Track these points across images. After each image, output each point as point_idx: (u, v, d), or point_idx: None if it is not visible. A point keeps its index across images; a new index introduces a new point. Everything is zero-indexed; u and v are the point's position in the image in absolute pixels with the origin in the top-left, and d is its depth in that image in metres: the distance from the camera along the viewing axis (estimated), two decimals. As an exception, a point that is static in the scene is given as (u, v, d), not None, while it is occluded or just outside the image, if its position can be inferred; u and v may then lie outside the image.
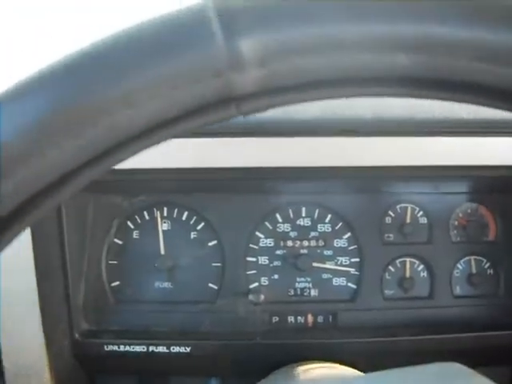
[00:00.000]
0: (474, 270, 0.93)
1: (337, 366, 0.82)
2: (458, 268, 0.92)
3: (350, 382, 0.50)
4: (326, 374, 0.78)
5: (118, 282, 0.90)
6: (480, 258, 0.93)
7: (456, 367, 0.49)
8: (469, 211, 0.94)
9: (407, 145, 0.79)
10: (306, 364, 0.82)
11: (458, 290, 0.92)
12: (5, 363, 0.82)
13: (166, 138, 0.29)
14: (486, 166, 0.81)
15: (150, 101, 0.25)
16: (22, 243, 0.77)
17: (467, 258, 0.93)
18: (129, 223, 0.91)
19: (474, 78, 0.25)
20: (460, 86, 0.26)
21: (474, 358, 0.91)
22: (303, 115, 0.77)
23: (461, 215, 0.93)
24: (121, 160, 0.29)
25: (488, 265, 0.93)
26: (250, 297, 0.86)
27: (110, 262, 0.90)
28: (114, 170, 0.74)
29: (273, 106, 0.28)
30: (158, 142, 0.29)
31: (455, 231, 0.93)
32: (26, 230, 0.72)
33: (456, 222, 0.93)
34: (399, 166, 0.80)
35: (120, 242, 0.90)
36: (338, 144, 0.78)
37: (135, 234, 0.91)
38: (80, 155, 0.25)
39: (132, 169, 0.77)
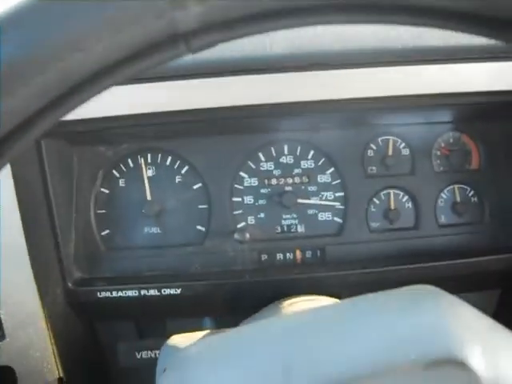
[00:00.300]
0: (458, 199, 0.93)
1: (323, 298, 0.84)
2: (442, 197, 0.93)
3: (321, 307, 0.51)
4: (310, 306, 0.79)
5: (107, 231, 0.92)
6: (464, 186, 0.94)
7: (428, 289, 0.49)
8: (451, 140, 0.94)
9: (386, 75, 0.79)
10: (294, 299, 0.83)
11: (442, 219, 0.93)
12: (2, 315, 0.84)
13: (121, 79, 0.29)
14: (467, 92, 0.81)
15: (97, 44, 0.25)
16: (8, 197, 0.78)
17: (451, 187, 0.93)
18: (114, 172, 0.91)
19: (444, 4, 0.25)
20: (430, 11, 0.26)
21: (462, 285, 0.92)
22: (283, 50, 0.77)
23: (443, 145, 0.94)
24: (82, 101, 0.30)
25: (472, 193, 0.94)
26: (236, 236, 0.87)
27: (99, 211, 0.91)
28: (95, 119, 0.75)
29: (221, 40, 0.28)
30: (114, 83, 0.29)
31: (438, 161, 0.93)
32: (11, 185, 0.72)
33: (438, 152, 0.93)
34: (379, 97, 0.79)
35: (107, 191, 0.91)
36: (316, 78, 0.78)
37: (121, 182, 0.92)
38: (34, 102, 0.26)
39: (111, 116, 0.78)
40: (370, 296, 0.48)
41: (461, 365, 0.38)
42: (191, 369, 0.43)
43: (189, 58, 0.73)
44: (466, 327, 0.41)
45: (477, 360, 0.38)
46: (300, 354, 0.40)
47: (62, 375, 0.88)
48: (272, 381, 0.39)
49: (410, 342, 0.40)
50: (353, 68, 0.78)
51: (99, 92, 0.29)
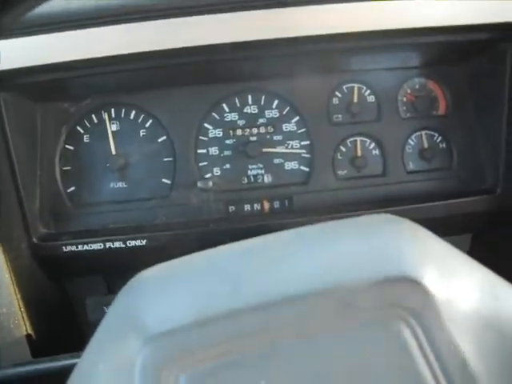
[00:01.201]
0: (425, 145, 0.93)
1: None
2: (409, 144, 0.92)
3: (274, 234, 0.50)
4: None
5: (73, 187, 0.91)
6: (431, 132, 0.93)
7: (387, 216, 0.49)
8: (417, 86, 0.93)
9: (349, 11, 0.77)
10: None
11: (410, 166, 0.93)
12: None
13: None
14: (432, 28, 0.79)
15: None
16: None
17: (418, 133, 0.93)
18: (78, 128, 0.91)
19: None
20: None
21: (432, 229, 0.91)
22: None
23: (409, 91, 0.93)
24: None
25: (440, 139, 0.93)
26: (199, 184, 0.86)
27: (64, 168, 0.91)
28: (53, 65, 0.73)
29: None
30: None
31: (404, 107, 0.93)
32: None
33: (404, 98, 0.93)
34: (343, 34, 0.78)
35: (71, 148, 0.91)
36: (278, 16, 0.77)
37: (85, 138, 0.91)
38: None
39: (70, 61, 0.77)
40: (327, 223, 0.47)
41: (415, 282, 0.37)
42: (139, 290, 0.42)
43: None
44: (422, 249, 0.41)
45: (430, 279, 0.38)
46: (249, 269, 0.40)
47: (29, 331, 0.86)
48: (220, 294, 0.38)
49: (364, 261, 0.39)
50: (315, 4, 0.77)
51: None
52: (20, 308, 0.84)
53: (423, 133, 0.92)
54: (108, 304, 0.89)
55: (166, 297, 0.39)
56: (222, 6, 0.76)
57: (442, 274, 0.39)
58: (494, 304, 0.39)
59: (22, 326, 0.85)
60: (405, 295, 0.38)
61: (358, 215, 0.85)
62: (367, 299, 0.38)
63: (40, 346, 0.84)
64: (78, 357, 0.75)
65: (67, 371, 0.75)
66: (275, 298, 0.38)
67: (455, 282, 0.39)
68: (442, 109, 0.93)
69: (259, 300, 0.37)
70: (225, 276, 0.40)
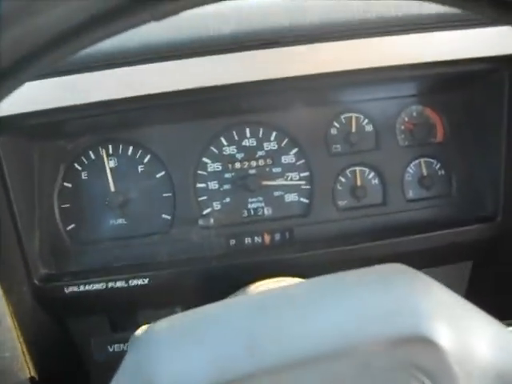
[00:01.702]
0: (424, 173, 0.93)
1: (291, 279, 0.83)
2: (408, 172, 0.93)
3: (288, 286, 0.50)
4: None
5: (72, 225, 0.90)
6: (430, 159, 0.93)
7: (398, 267, 0.48)
8: (414, 114, 0.93)
9: (346, 49, 0.77)
10: (262, 281, 0.82)
11: (410, 194, 0.93)
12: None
13: (85, 43, 0.28)
14: (428, 63, 0.79)
15: (54, 9, 0.25)
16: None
17: (417, 160, 0.93)
18: (76, 165, 0.90)
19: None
20: None
21: (433, 258, 0.92)
22: (236, 28, 0.75)
23: (407, 119, 0.93)
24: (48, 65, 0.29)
25: (438, 166, 0.93)
26: (200, 221, 0.86)
27: (63, 205, 0.90)
28: (52, 110, 0.73)
29: (186, 8, 0.28)
30: (78, 48, 0.29)
31: (402, 135, 0.93)
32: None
33: (402, 126, 0.93)
34: (340, 72, 0.78)
35: (69, 185, 0.90)
36: (273, 55, 0.77)
37: (83, 175, 0.90)
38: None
39: (68, 106, 0.76)
40: (338, 274, 0.47)
41: (429, 342, 0.37)
42: (152, 347, 0.41)
43: (141, 41, 0.73)
44: (434, 305, 0.40)
45: (444, 338, 0.37)
46: (264, 330, 0.39)
47: (33, 374, 0.86)
48: (235, 357, 0.37)
49: (378, 320, 0.39)
50: (310, 43, 0.77)
51: (65, 56, 0.28)
52: (23, 351, 0.83)
53: (422, 160, 0.93)
54: (112, 343, 0.89)
55: (179, 357, 0.39)
56: (219, 47, 0.76)
57: (456, 333, 0.39)
58: (510, 360, 0.39)
59: (25, 369, 0.84)
60: (419, 355, 0.38)
61: (360, 247, 0.86)
62: (383, 360, 0.38)
63: (44, 389, 0.84)
64: None
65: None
66: (291, 360, 0.37)
67: (470, 339, 0.39)
68: (439, 136, 0.93)
69: (275, 362, 0.37)
70: (240, 335, 0.40)
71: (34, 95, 0.75)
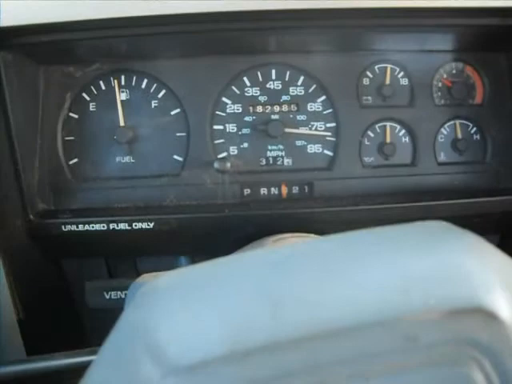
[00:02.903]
0: (459, 135, 0.86)
1: (313, 236, 0.76)
2: (442, 133, 0.86)
3: (318, 240, 0.43)
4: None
5: (75, 159, 0.83)
6: (466, 122, 0.87)
7: (445, 226, 0.41)
8: (453, 71, 0.86)
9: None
10: (280, 235, 0.76)
11: (442, 157, 0.86)
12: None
13: None
14: (474, 9, 0.72)
15: None
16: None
17: (452, 122, 0.86)
18: (84, 95, 0.83)
19: None
20: None
21: (459, 227, 0.85)
22: None
23: (445, 76, 0.86)
24: None
25: (474, 130, 0.87)
26: (216, 165, 0.79)
27: (66, 138, 0.83)
28: (59, 24, 0.65)
29: None
30: None
31: (439, 93, 0.86)
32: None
33: (440, 84, 0.86)
34: (377, 8, 0.71)
35: (75, 116, 0.83)
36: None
37: (91, 107, 0.83)
38: None
39: (78, 21, 0.69)
40: (375, 229, 0.40)
41: (489, 314, 0.31)
42: (159, 304, 0.34)
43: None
44: (494, 272, 0.34)
45: (507, 310, 0.31)
46: (291, 290, 0.32)
47: (21, 316, 0.79)
48: (256, 319, 0.30)
49: (429, 285, 0.32)
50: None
51: None
52: (12, 291, 0.77)
53: (457, 122, 0.86)
54: (109, 289, 0.82)
55: (191, 318, 0.32)
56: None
57: None
58: None
59: (13, 310, 0.78)
60: (477, 330, 0.31)
61: (385, 207, 0.80)
62: (433, 333, 0.31)
63: (33, 333, 0.77)
64: (74, 356, 0.69)
65: (63, 371, 0.68)
66: (324, 328, 0.30)
67: None
68: (478, 97, 0.87)
69: (304, 329, 0.30)
70: (264, 296, 0.32)
71: (42, 6, 0.68)
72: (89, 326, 0.88)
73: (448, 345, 0.31)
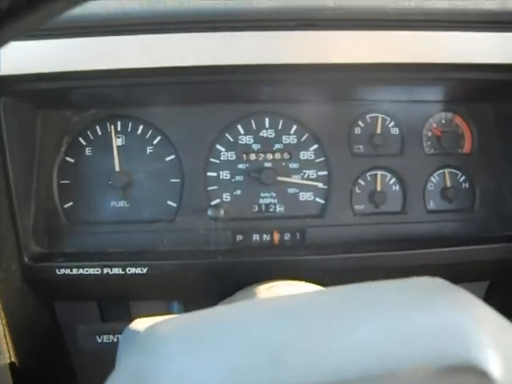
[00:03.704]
0: (448, 184, 0.88)
1: (305, 284, 0.77)
2: (431, 181, 0.88)
3: (319, 292, 0.44)
4: (291, 291, 0.72)
5: (70, 203, 0.84)
6: (455, 170, 0.88)
7: (439, 282, 0.42)
8: (443, 121, 0.88)
9: (376, 40, 0.72)
10: (272, 282, 0.76)
11: (431, 205, 0.87)
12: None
13: None
14: (464, 64, 0.74)
15: None
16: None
17: (441, 170, 0.88)
18: (80, 139, 0.84)
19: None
20: None
21: (448, 275, 0.86)
22: (260, 4, 0.70)
23: (435, 125, 0.88)
24: None
25: (463, 178, 0.88)
26: (209, 212, 0.80)
27: (62, 181, 0.84)
28: (59, 73, 0.67)
29: None
30: None
31: (429, 142, 0.88)
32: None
33: (430, 133, 0.88)
34: (368, 64, 0.73)
35: (71, 160, 0.84)
36: (302, 39, 0.72)
37: (87, 151, 0.85)
38: None
39: (76, 71, 0.71)
40: (375, 284, 0.41)
41: (480, 372, 0.32)
42: (159, 349, 0.35)
43: (166, 7, 0.67)
44: (485, 330, 0.35)
45: (497, 368, 0.32)
46: (291, 341, 0.33)
47: (13, 359, 0.80)
48: (257, 369, 0.31)
49: (424, 342, 0.33)
50: (342, 30, 0.72)
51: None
52: (5, 334, 0.77)
53: (446, 171, 0.88)
54: (101, 333, 0.83)
55: (191, 364, 0.32)
56: (247, 23, 0.71)
57: (508, 363, 0.33)
58: None
59: (5, 353, 0.78)
60: None
61: (376, 255, 0.81)
62: None
63: (24, 375, 0.78)
64: None
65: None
66: (320, 380, 0.31)
67: None
68: (467, 147, 0.88)
69: (302, 380, 0.31)
70: (265, 346, 0.33)
71: (41, 57, 0.69)
72: (80, 369, 0.88)
73: None
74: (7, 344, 0.79)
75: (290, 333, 0.34)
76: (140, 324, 0.68)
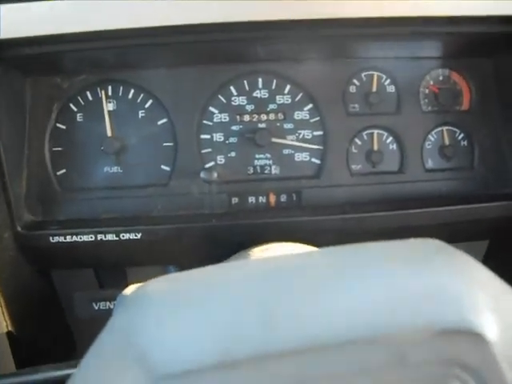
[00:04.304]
0: (446, 142, 0.86)
1: (301, 245, 0.76)
2: (429, 140, 0.86)
3: (311, 252, 0.43)
4: (285, 252, 0.71)
5: (63, 170, 0.83)
6: (453, 128, 0.86)
7: (436, 244, 0.41)
8: (440, 78, 0.86)
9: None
10: (267, 245, 0.76)
11: (429, 163, 0.86)
12: None
13: None
14: (460, 17, 0.72)
15: None
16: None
17: (439, 128, 0.86)
18: (71, 105, 0.83)
19: None
20: None
21: (448, 234, 0.85)
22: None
23: (432, 82, 0.86)
24: None
25: (462, 136, 0.87)
26: (203, 175, 0.79)
27: (54, 148, 0.83)
28: (47, 37, 0.65)
29: None
30: None
31: (426, 100, 0.86)
32: None
33: (427, 90, 0.86)
34: (363, 18, 0.71)
35: (63, 127, 0.83)
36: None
37: (79, 117, 0.83)
38: None
39: (65, 34, 0.69)
40: (370, 245, 0.40)
41: (476, 336, 0.31)
42: (145, 311, 0.34)
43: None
44: (483, 293, 0.34)
45: (494, 331, 0.31)
46: (283, 303, 0.32)
47: (10, 328, 0.79)
48: (247, 331, 0.30)
49: (418, 304, 0.32)
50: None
51: None
52: (0, 304, 0.77)
53: (444, 128, 0.86)
54: (98, 300, 0.83)
55: (180, 326, 0.32)
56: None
57: (507, 326, 0.32)
58: None
59: (1, 322, 0.78)
60: (465, 351, 0.31)
61: (373, 215, 0.80)
62: (421, 353, 0.31)
63: (22, 345, 0.77)
64: (63, 368, 0.69)
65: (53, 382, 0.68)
66: (312, 343, 0.30)
67: None
68: (465, 104, 0.87)
69: (294, 344, 0.30)
70: (255, 307, 0.32)
71: (27, 19, 0.68)
72: (78, 337, 0.88)
73: (435, 364, 0.31)
74: (3, 313, 0.78)
75: (280, 295, 0.33)
76: (133, 289, 0.67)
